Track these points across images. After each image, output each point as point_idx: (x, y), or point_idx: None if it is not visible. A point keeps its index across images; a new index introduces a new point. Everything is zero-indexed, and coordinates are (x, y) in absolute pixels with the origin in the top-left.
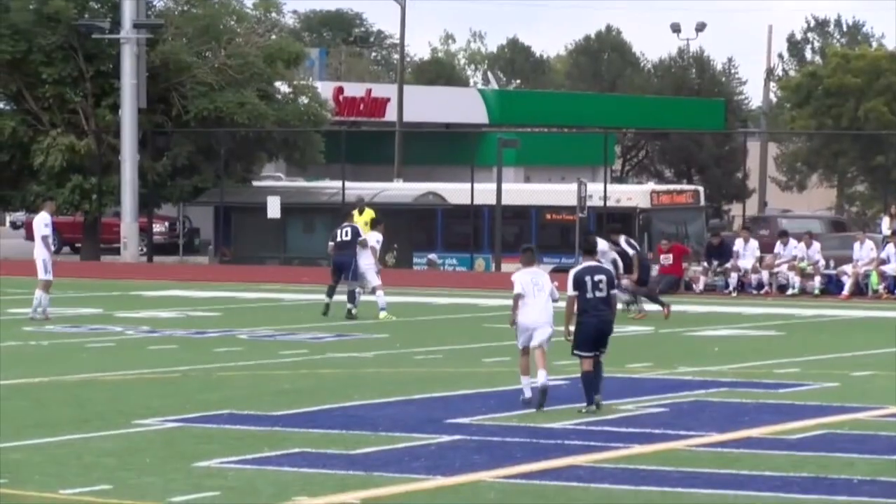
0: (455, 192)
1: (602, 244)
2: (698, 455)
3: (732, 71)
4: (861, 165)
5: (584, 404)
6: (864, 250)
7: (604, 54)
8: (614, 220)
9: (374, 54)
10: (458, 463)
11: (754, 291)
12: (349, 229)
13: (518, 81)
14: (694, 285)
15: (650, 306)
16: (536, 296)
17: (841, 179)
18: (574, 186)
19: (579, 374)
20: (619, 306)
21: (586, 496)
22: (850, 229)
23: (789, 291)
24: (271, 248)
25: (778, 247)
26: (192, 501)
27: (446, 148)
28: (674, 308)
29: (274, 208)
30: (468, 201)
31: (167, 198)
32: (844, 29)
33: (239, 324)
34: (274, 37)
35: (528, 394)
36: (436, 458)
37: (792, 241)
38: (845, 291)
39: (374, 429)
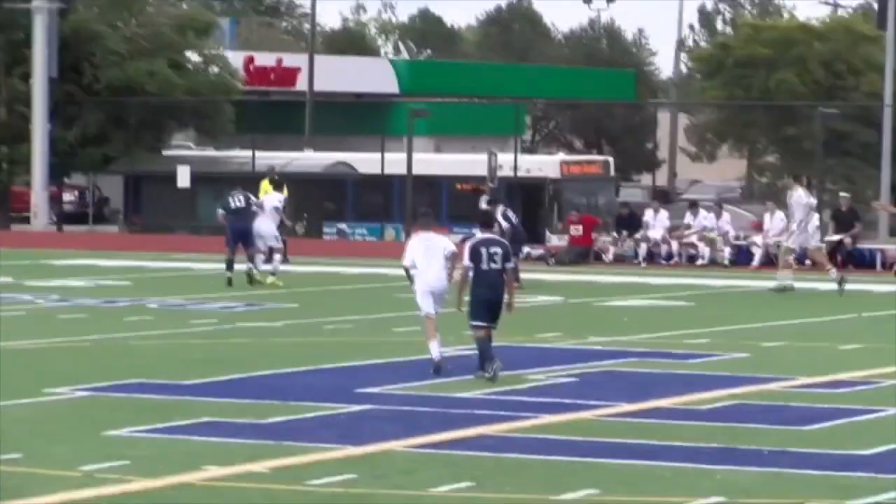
0: (366, 161)
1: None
2: (609, 425)
3: (643, 42)
4: (771, 136)
5: (480, 370)
6: (774, 221)
7: (515, 25)
8: (523, 190)
9: (284, 24)
10: (368, 432)
11: (664, 262)
12: (241, 196)
13: (429, 51)
14: (604, 255)
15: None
16: (430, 261)
17: (751, 150)
18: (485, 157)
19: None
20: None
21: (497, 465)
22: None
23: (699, 262)
24: (181, 218)
25: (687, 217)
26: (102, 470)
27: (357, 118)
28: (585, 278)
29: (184, 178)
30: (379, 171)
31: (78, 167)
32: (755, 0)
33: (149, 293)
34: (185, 6)
35: (436, 355)
36: (346, 428)
37: (702, 212)
38: (755, 262)
39: (285, 398)
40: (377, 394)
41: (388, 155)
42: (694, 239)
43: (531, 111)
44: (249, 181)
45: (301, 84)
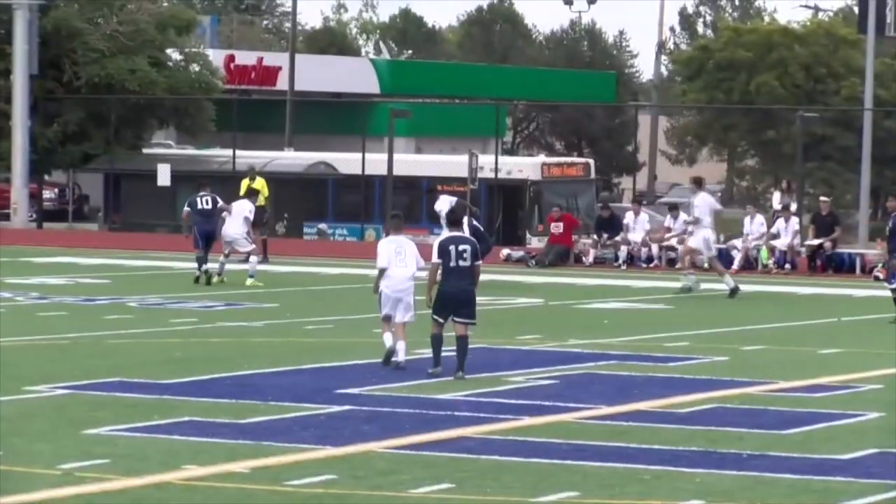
0: (346, 161)
1: (444, 202)
2: (588, 427)
3: (624, 44)
4: (752, 140)
5: (434, 364)
6: (754, 225)
7: (496, 26)
8: (503, 192)
9: (265, 22)
10: (347, 433)
11: (644, 265)
12: (209, 198)
13: (410, 52)
14: (584, 258)
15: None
16: (398, 265)
17: (731, 153)
18: (465, 158)
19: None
20: None
21: (476, 467)
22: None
23: (679, 265)
24: (161, 216)
25: (668, 220)
26: (82, 468)
27: (337, 117)
28: (565, 280)
29: (164, 176)
30: (359, 171)
31: (57, 164)
32: (736, 3)
33: (128, 291)
34: (166, 4)
35: (389, 343)
36: (325, 428)
37: (682, 215)
38: (735, 265)
39: (264, 398)
40: (357, 395)
41: (368, 155)
42: (674, 242)
43: (512, 112)
44: (230, 180)
45: (282, 83)
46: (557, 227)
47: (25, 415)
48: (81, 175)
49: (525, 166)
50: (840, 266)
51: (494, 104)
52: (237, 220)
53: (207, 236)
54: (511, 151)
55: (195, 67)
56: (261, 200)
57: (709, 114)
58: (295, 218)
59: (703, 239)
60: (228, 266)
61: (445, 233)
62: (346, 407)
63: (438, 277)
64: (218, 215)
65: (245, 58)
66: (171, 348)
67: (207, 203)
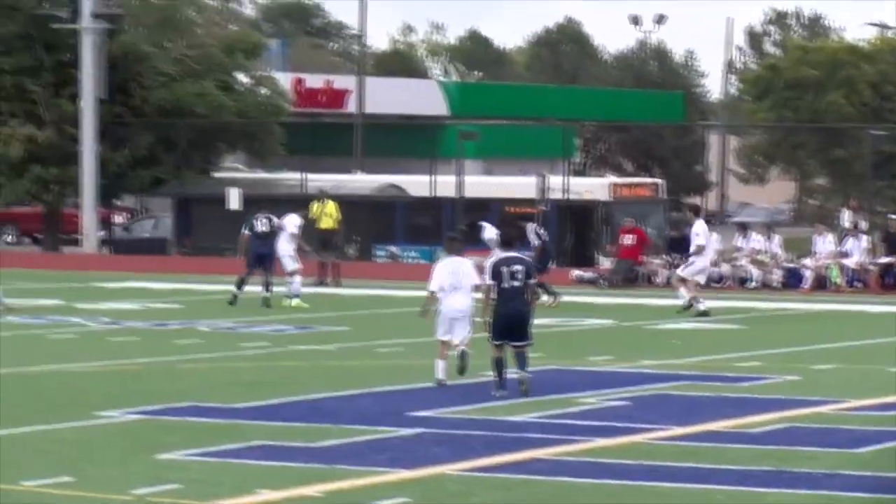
0: (415, 184)
1: (490, 231)
2: (660, 448)
3: (692, 63)
4: (821, 158)
5: (498, 386)
6: (824, 243)
7: (564, 46)
8: (573, 213)
9: (334, 45)
10: (420, 456)
11: (715, 284)
12: (265, 219)
13: (478, 73)
14: (655, 278)
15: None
16: (455, 286)
17: (801, 172)
18: (535, 179)
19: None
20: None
21: (549, 489)
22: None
23: (750, 284)
24: (231, 240)
25: (738, 239)
26: (154, 493)
27: (407, 140)
28: (635, 301)
29: (234, 200)
30: (429, 193)
31: (127, 189)
32: (804, 21)
33: (199, 315)
34: (233, 27)
35: (441, 376)
36: (398, 451)
37: (752, 234)
38: (806, 284)
39: (337, 421)
40: (429, 417)
41: (438, 177)
42: (745, 261)
43: (581, 133)
44: (300, 203)
45: (350, 106)
46: (628, 239)
47: (97, 440)
48: (151, 200)
49: (594, 187)
50: None
51: (563, 125)
52: (284, 235)
53: (262, 258)
54: (580, 172)
55: (264, 91)
56: (331, 224)
57: (777, 133)
58: (365, 241)
59: (701, 268)
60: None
61: (499, 254)
62: (418, 429)
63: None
64: (274, 236)
65: (314, 81)
66: (242, 372)
67: (264, 224)
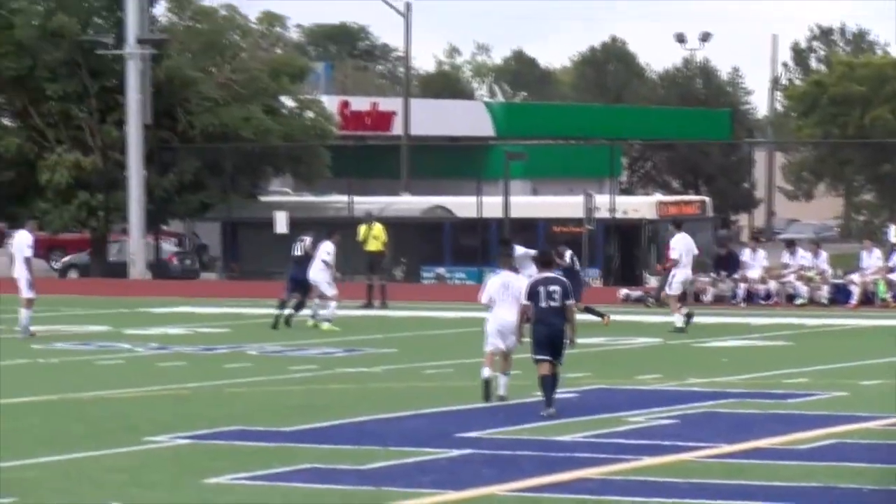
0: (462, 205)
1: (518, 249)
2: (708, 466)
3: (738, 81)
4: (868, 174)
5: (549, 408)
6: (871, 259)
7: (609, 66)
8: (620, 232)
9: (379, 68)
10: (468, 477)
11: (763, 301)
12: (302, 244)
13: (524, 94)
14: (702, 296)
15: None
16: (505, 300)
17: (848, 188)
18: (581, 198)
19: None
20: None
21: None
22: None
23: (797, 301)
24: (279, 264)
25: (785, 256)
26: None
27: (453, 161)
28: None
29: (281, 223)
30: (475, 214)
31: (174, 214)
32: (849, 37)
33: (248, 339)
34: (279, 51)
35: (486, 374)
36: (446, 473)
37: (800, 251)
38: (853, 300)
39: (384, 443)
40: (477, 438)
41: (484, 198)
42: (792, 278)
43: (627, 152)
44: (347, 226)
45: (396, 128)
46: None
47: (146, 465)
48: (199, 224)
49: (641, 206)
50: None
51: (609, 144)
52: (317, 263)
53: (297, 282)
54: (627, 191)
55: (310, 114)
56: (379, 246)
57: (824, 149)
58: (412, 262)
59: (681, 281)
60: (339, 311)
61: (535, 273)
62: (466, 451)
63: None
64: (309, 259)
65: (359, 103)
66: (290, 396)
67: (299, 249)
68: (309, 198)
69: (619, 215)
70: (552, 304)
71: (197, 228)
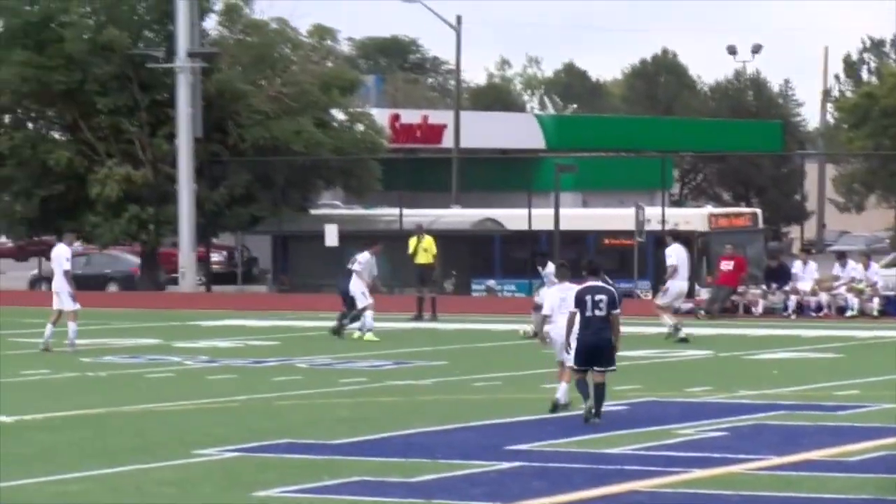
0: (512, 217)
1: (550, 266)
2: (758, 478)
3: (789, 93)
4: None
5: (587, 400)
6: None
7: (660, 77)
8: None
9: (430, 80)
10: (517, 490)
11: (813, 314)
12: (352, 256)
13: (575, 106)
14: (753, 308)
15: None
16: (563, 312)
17: None
18: (632, 211)
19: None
20: None
21: None
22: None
23: (848, 313)
24: (329, 277)
25: (836, 268)
26: None
27: (503, 174)
28: (734, 332)
29: (332, 236)
30: (526, 227)
31: (225, 227)
32: None
33: (297, 352)
34: (329, 64)
35: (562, 399)
36: (495, 485)
37: (850, 263)
38: None
39: (433, 456)
40: (526, 451)
41: (535, 210)
42: (843, 290)
43: (678, 164)
44: (397, 239)
45: (447, 141)
46: (727, 265)
47: (195, 478)
48: (249, 237)
49: (692, 218)
50: None
51: (660, 156)
52: (354, 275)
53: (343, 293)
54: (678, 203)
55: (360, 127)
56: (429, 258)
57: (875, 161)
58: (462, 275)
59: (677, 293)
60: (390, 324)
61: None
62: (516, 463)
63: (576, 326)
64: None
65: (410, 116)
66: (339, 408)
67: (350, 262)
68: (359, 211)
69: (669, 227)
70: (598, 312)
71: (247, 241)
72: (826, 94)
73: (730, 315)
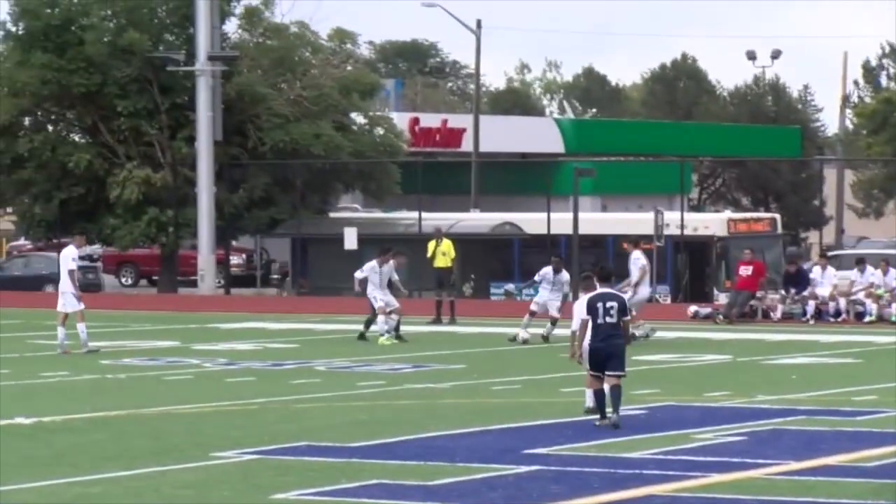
0: (531, 221)
1: (564, 275)
2: (776, 483)
3: (808, 98)
4: None
5: (599, 418)
6: None
7: (679, 82)
8: (690, 248)
9: (449, 84)
10: (536, 493)
11: (832, 319)
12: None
13: (594, 110)
14: (772, 313)
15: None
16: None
17: None
18: (651, 215)
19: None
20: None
21: None
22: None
23: (867, 319)
24: (348, 280)
25: (855, 274)
26: None
27: (522, 177)
28: (752, 336)
29: (351, 240)
30: (545, 231)
31: (244, 230)
32: None
33: (316, 355)
34: (349, 68)
35: (589, 403)
36: (514, 489)
37: (869, 268)
38: None
39: (452, 459)
40: (545, 454)
41: (554, 214)
42: (861, 296)
43: (697, 169)
44: (416, 242)
45: (466, 144)
46: (746, 270)
47: (213, 481)
48: (268, 240)
49: (711, 222)
50: None
51: (679, 161)
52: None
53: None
54: (697, 208)
55: (380, 131)
56: (447, 262)
57: (894, 166)
58: (481, 278)
59: (643, 299)
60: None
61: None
62: (535, 467)
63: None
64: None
65: (429, 120)
66: (358, 411)
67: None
68: (378, 214)
69: (688, 232)
70: (608, 319)
71: (266, 244)
72: (845, 99)
73: (748, 320)
